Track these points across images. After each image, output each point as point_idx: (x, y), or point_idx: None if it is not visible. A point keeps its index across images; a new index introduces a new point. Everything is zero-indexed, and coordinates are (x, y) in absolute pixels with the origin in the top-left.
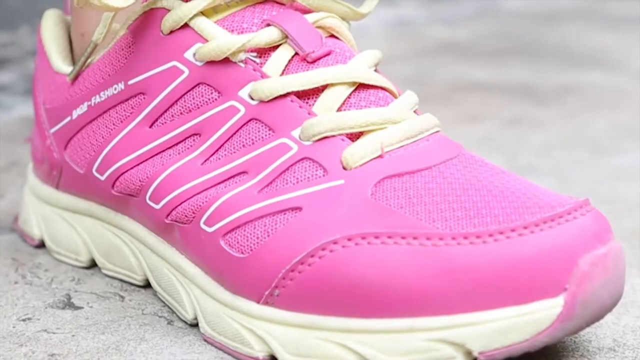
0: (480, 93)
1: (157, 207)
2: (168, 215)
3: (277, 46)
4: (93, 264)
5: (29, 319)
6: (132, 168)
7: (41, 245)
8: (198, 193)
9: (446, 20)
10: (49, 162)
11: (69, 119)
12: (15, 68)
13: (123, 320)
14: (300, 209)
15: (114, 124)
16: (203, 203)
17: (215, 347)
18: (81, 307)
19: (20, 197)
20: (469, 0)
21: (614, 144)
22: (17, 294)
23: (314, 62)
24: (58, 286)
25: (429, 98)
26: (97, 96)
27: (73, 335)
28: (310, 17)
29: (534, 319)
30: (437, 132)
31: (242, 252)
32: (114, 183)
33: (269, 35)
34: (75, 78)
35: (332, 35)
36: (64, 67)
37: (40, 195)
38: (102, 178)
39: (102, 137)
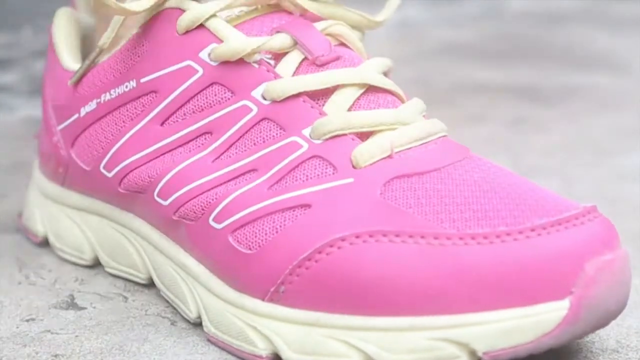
0: (484, 94)
1: (165, 203)
2: (176, 211)
3: (287, 52)
4: (97, 262)
5: (33, 319)
6: (141, 165)
7: (44, 242)
8: (208, 190)
9: (450, 22)
10: (55, 159)
11: (76, 116)
12: (18, 69)
13: (126, 321)
14: (309, 206)
15: (124, 122)
16: (213, 200)
17: (219, 346)
18: (85, 308)
19: (24, 197)
20: (473, 1)
21: (619, 146)
22: (21, 294)
23: (322, 65)
24: (62, 287)
25: (433, 99)
26: (107, 94)
27: (76, 336)
28: (319, 25)
29: (539, 320)
30: (444, 136)
31: (250, 248)
32: (121, 180)
33: (281, 40)
34: (77, 82)
35: (342, 44)
36: (73, 65)
37: (45, 192)
38: (110, 175)
39: (112, 135)
